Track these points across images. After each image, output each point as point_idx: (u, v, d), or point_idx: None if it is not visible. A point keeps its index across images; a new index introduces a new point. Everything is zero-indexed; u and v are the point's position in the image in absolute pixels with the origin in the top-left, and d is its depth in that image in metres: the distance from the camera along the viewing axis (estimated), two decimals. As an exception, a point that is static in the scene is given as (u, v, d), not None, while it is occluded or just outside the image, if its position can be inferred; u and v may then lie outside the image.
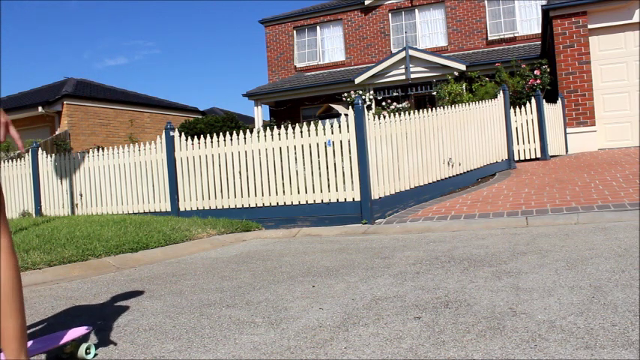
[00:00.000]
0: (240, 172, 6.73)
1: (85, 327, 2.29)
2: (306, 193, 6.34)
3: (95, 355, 2.25)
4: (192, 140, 7.13)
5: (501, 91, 9.41)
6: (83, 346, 2.20)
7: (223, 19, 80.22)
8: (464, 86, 14.00)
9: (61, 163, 8.30)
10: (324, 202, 6.25)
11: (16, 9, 63.85)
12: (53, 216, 8.01)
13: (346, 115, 6.39)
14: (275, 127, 7.19)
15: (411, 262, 3.69)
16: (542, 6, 12.12)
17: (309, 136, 6.35)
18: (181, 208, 7.05)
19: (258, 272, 3.80)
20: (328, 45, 19.54)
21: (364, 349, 2.05)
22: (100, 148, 7.97)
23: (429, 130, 7.17)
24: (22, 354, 1.77)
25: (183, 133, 7.30)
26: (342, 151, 6.19)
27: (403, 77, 15.89)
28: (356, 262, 3.85)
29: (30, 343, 2.02)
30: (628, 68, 11.15)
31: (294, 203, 6.39)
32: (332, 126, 6.32)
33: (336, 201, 6.18)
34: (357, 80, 16.24)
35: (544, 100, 10.36)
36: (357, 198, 6.03)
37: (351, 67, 18.71)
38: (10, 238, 1.80)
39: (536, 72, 12.15)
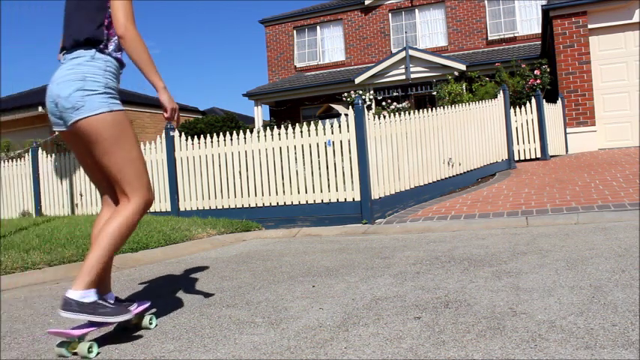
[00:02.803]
0: (240, 172, 6.73)
1: (148, 301, 2.57)
2: (306, 193, 6.34)
3: (156, 325, 2.56)
4: (193, 140, 7.13)
5: (501, 91, 9.41)
6: (147, 317, 2.53)
7: (223, 19, 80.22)
8: (464, 86, 14.01)
9: (61, 163, 8.30)
10: (324, 202, 6.25)
11: (16, 9, 63.85)
12: (53, 216, 8.01)
13: (346, 115, 6.39)
14: (275, 127, 7.19)
15: (411, 262, 3.70)
16: (542, 6, 12.12)
17: (309, 136, 6.35)
18: (181, 208, 7.05)
19: (258, 272, 3.80)
20: (328, 45, 19.54)
21: (364, 349, 2.05)
22: (100, 148, 7.96)
23: (429, 130, 7.17)
24: (83, 283, 2.21)
25: (183, 133, 7.30)
26: (342, 151, 6.19)
27: (403, 77, 15.89)
28: (356, 262, 3.85)
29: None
30: (628, 68, 11.15)
31: (294, 203, 6.39)
32: (332, 126, 6.32)
33: (336, 201, 6.18)
34: (357, 80, 16.24)
35: (544, 100, 10.36)
36: (357, 198, 6.03)
37: (351, 67, 18.71)
38: (139, 203, 2.37)
39: (537, 72, 12.15)
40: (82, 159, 2.50)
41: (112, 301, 2.37)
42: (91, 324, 2.28)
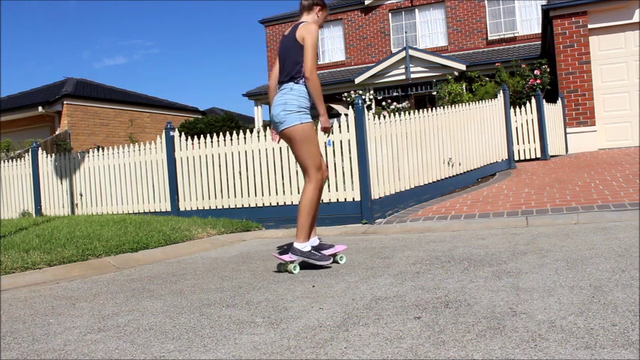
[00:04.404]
0: (240, 172, 6.73)
1: (343, 246, 3.92)
2: (306, 193, 6.34)
3: (345, 261, 3.84)
4: (193, 140, 7.13)
5: (501, 91, 9.41)
6: (338, 256, 3.85)
7: (223, 19, 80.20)
8: (464, 86, 14.01)
9: (61, 163, 8.30)
10: (324, 201, 6.24)
11: (16, 9, 63.82)
12: (53, 216, 8.01)
13: (346, 115, 6.39)
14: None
15: (411, 262, 3.70)
16: (542, 6, 12.13)
17: (309, 136, 6.35)
18: (181, 208, 7.05)
19: (258, 272, 3.80)
20: (328, 45, 19.54)
21: (364, 349, 2.05)
22: (100, 148, 7.97)
23: (429, 130, 7.16)
24: (302, 237, 3.68)
25: (183, 133, 7.30)
26: (342, 151, 6.19)
27: (403, 77, 15.89)
28: (356, 262, 3.85)
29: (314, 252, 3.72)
30: (628, 68, 11.16)
31: (294, 203, 6.39)
32: (332, 126, 6.32)
33: (336, 201, 6.18)
34: (357, 80, 16.24)
35: (544, 100, 10.36)
36: (357, 198, 6.03)
37: (351, 67, 18.71)
38: (316, 179, 3.73)
39: (536, 72, 12.15)
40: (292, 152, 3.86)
41: (315, 244, 3.78)
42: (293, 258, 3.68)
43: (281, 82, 3.79)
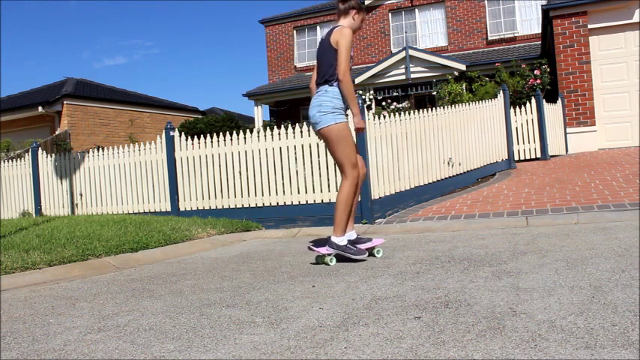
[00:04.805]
0: (240, 172, 6.73)
1: (380, 239, 4.10)
2: (306, 193, 6.35)
3: (381, 255, 3.99)
4: (193, 140, 7.13)
5: (501, 91, 9.41)
6: (376, 249, 3.99)
7: (223, 19, 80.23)
8: (464, 86, 14.01)
9: (61, 163, 8.30)
10: (324, 202, 6.25)
11: (16, 9, 63.85)
12: (53, 216, 8.01)
13: (346, 115, 6.38)
14: (275, 127, 7.19)
15: (411, 261, 3.70)
16: (542, 6, 12.13)
17: (309, 136, 6.35)
18: (181, 208, 7.05)
19: (259, 272, 3.80)
20: (328, 45, 19.50)
21: (364, 349, 2.05)
22: (100, 148, 7.97)
23: (429, 130, 7.16)
24: (338, 232, 3.84)
25: (183, 133, 7.30)
26: (342, 151, 6.18)
27: (403, 77, 15.88)
28: (356, 262, 3.85)
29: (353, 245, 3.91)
30: (628, 68, 11.16)
31: (294, 203, 6.39)
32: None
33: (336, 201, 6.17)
34: (357, 80, 16.23)
35: (544, 100, 10.36)
36: (357, 198, 6.02)
37: (351, 67, 18.71)
38: (351, 177, 3.89)
39: (537, 72, 12.15)
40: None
41: (352, 238, 3.92)
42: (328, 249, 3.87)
43: (318, 85, 3.99)
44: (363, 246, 3.93)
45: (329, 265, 3.78)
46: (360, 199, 6.01)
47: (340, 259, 3.88)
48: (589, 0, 11.09)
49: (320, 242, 4.15)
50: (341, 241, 3.83)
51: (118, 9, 75.83)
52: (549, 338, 1.99)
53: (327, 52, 3.93)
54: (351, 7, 4.07)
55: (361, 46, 18.82)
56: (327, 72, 3.91)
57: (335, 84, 3.87)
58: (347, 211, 3.85)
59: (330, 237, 3.90)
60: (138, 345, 2.32)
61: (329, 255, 3.84)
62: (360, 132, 4.02)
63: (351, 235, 3.95)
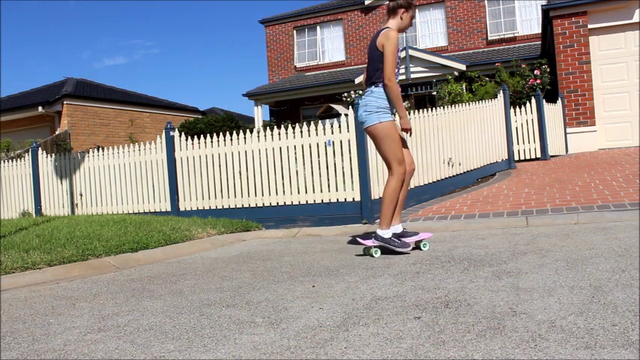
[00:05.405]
0: (240, 172, 6.73)
1: (430, 233, 4.30)
2: (306, 193, 6.35)
3: (427, 248, 4.15)
4: (193, 140, 7.13)
5: (501, 91, 9.41)
6: (422, 243, 4.16)
7: (223, 19, 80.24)
8: (464, 86, 14.00)
9: (61, 163, 8.30)
10: (324, 202, 6.25)
11: (16, 9, 63.86)
12: (53, 216, 8.01)
13: (346, 115, 6.39)
14: (275, 127, 7.19)
15: (411, 261, 3.70)
16: (542, 6, 12.12)
17: (309, 136, 6.36)
18: (181, 208, 7.05)
19: (259, 272, 3.80)
20: (328, 45, 19.53)
21: (364, 349, 2.05)
22: (100, 148, 7.97)
23: (429, 130, 7.16)
24: (384, 225, 4.00)
25: (183, 133, 7.30)
26: (342, 151, 6.19)
27: (403, 77, 15.88)
28: (356, 262, 3.85)
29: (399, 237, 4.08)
30: (628, 68, 11.15)
31: (294, 203, 6.39)
32: (332, 126, 6.32)
33: (336, 201, 6.18)
34: (357, 80, 16.23)
35: (544, 100, 10.35)
36: (358, 198, 6.03)
37: (351, 67, 18.71)
38: (397, 173, 4.02)
39: (536, 72, 12.15)
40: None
41: (398, 232, 4.08)
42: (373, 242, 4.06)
43: (366, 86, 4.20)
44: (407, 239, 4.06)
45: (374, 256, 3.96)
46: (360, 199, 6.02)
47: (385, 251, 4.04)
48: (589, 0, 11.09)
49: (367, 235, 4.32)
50: (385, 234, 3.97)
51: (118, 9, 75.84)
52: (549, 338, 1.99)
53: (373, 55, 4.10)
54: (399, 6, 4.13)
55: (361, 46, 18.82)
56: (372, 74, 4.10)
57: (380, 85, 4.04)
58: (392, 206, 3.99)
59: (375, 230, 4.08)
60: (138, 345, 2.32)
61: (374, 247, 4.01)
62: (406, 132, 4.14)
63: (397, 228, 4.09)
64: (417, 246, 4.16)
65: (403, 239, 4.05)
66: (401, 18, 4.17)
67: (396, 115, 4.20)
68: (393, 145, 4.00)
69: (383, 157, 4.10)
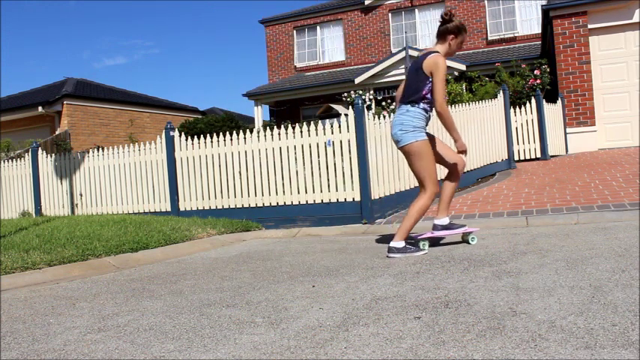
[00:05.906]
0: (240, 172, 6.73)
1: (476, 227, 4.44)
2: (306, 193, 6.35)
3: (475, 242, 4.24)
4: (193, 140, 7.13)
5: (501, 91, 9.41)
6: (470, 236, 4.26)
7: (223, 19, 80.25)
8: (464, 86, 14.00)
9: (61, 163, 8.30)
10: (324, 202, 6.25)
11: (16, 9, 63.87)
12: (53, 216, 8.01)
13: (346, 115, 6.39)
14: (275, 127, 7.19)
15: (411, 261, 3.70)
16: (542, 6, 12.12)
17: (309, 136, 6.36)
18: (181, 208, 7.05)
19: (258, 272, 3.80)
20: (328, 45, 19.53)
21: (364, 349, 2.05)
22: (100, 148, 7.97)
23: (429, 130, 7.15)
24: (398, 238, 3.98)
25: (183, 133, 7.30)
26: (342, 151, 6.19)
27: (403, 77, 15.86)
28: (356, 262, 3.85)
29: (443, 230, 4.25)
30: (628, 68, 11.15)
31: (294, 203, 6.39)
32: (332, 126, 6.32)
33: (336, 201, 6.18)
34: (357, 80, 16.24)
35: (544, 100, 10.35)
36: (357, 198, 6.03)
37: (351, 67, 18.71)
38: (430, 192, 4.07)
39: (536, 72, 12.14)
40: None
41: (445, 224, 4.23)
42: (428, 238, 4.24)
43: (401, 102, 4.15)
44: (455, 231, 4.22)
45: (424, 250, 4.07)
46: (360, 199, 6.02)
47: (432, 244, 4.30)
48: (589, 0, 11.09)
49: (390, 250, 4.13)
50: (398, 244, 3.96)
51: (118, 9, 75.83)
52: (549, 338, 1.99)
53: (415, 76, 4.05)
54: (448, 32, 4.07)
55: (361, 46, 18.82)
56: (412, 95, 4.05)
57: (417, 106, 4.04)
58: (414, 222, 4.05)
59: (390, 242, 4.08)
60: (138, 345, 2.32)
61: (389, 255, 4.04)
62: (462, 154, 4.19)
63: (444, 220, 4.22)
64: (465, 240, 4.26)
65: (449, 231, 4.20)
66: (449, 45, 4.10)
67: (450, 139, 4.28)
68: (428, 164, 4.02)
69: (417, 175, 4.09)
